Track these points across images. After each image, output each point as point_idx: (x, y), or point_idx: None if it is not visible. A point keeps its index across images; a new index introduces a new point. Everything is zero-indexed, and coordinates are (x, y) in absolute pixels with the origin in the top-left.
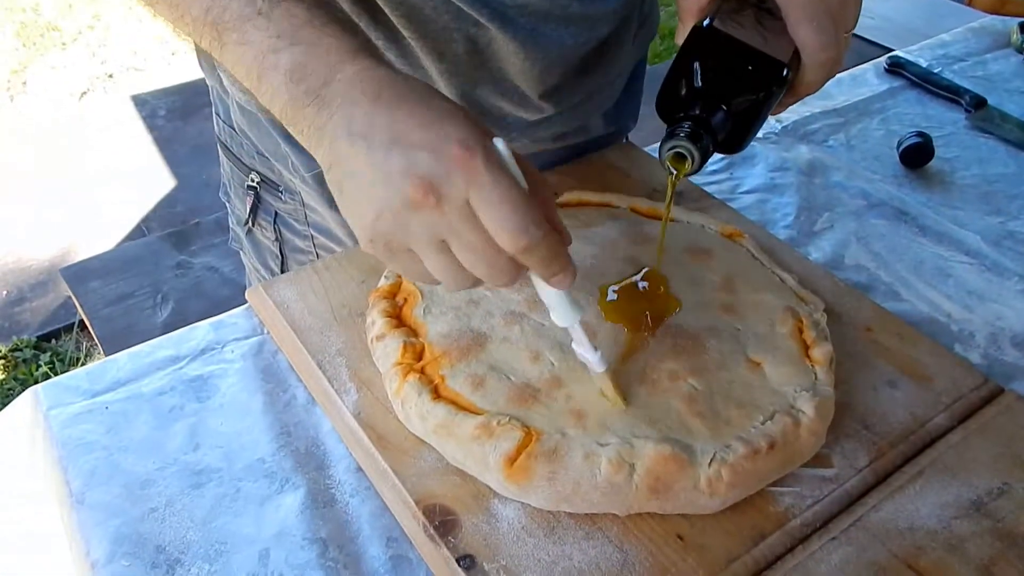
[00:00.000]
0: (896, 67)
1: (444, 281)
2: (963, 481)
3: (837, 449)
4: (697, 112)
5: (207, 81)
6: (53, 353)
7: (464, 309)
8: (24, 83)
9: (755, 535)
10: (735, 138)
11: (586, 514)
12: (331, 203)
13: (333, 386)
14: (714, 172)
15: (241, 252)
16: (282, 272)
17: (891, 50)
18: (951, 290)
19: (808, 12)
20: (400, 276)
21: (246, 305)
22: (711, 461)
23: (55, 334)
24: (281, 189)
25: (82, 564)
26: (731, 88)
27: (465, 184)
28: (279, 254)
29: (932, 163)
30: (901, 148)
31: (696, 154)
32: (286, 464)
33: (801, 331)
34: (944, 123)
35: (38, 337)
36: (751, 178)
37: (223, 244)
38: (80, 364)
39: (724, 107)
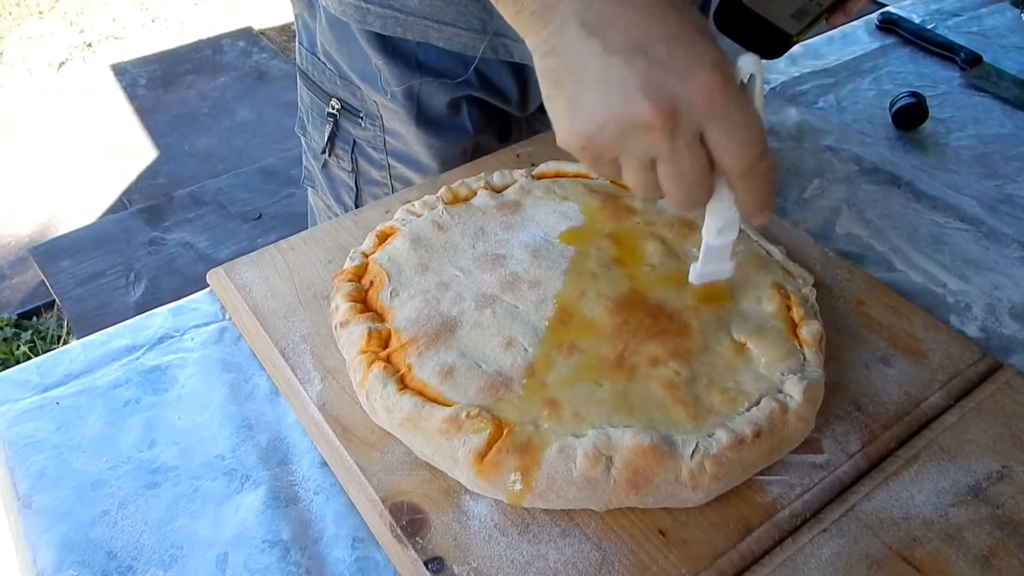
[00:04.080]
0: (888, 23)
1: (636, 186)
2: (960, 465)
3: (827, 433)
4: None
5: (293, 9)
6: (34, 331)
7: (433, 292)
8: (0, 54)
9: (741, 528)
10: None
11: (562, 510)
12: (417, 121)
13: (297, 375)
14: None
15: (312, 191)
16: (356, 204)
17: (883, 5)
18: (946, 259)
19: None
20: (366, 257)
21: (207, 289)
22: (693, 452)
23: (36, 312)
24: (362, 115)
25: (28, 573)
26: None
27: (706, 113)
28: (354, 187)
29: (926, 124)
30: (894, 109)
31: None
32: (247, 460)
33: (789, 308)
34: (938, 82)
35: (18, 315)
36: None
37: (198, 219)
38: (62, 342)
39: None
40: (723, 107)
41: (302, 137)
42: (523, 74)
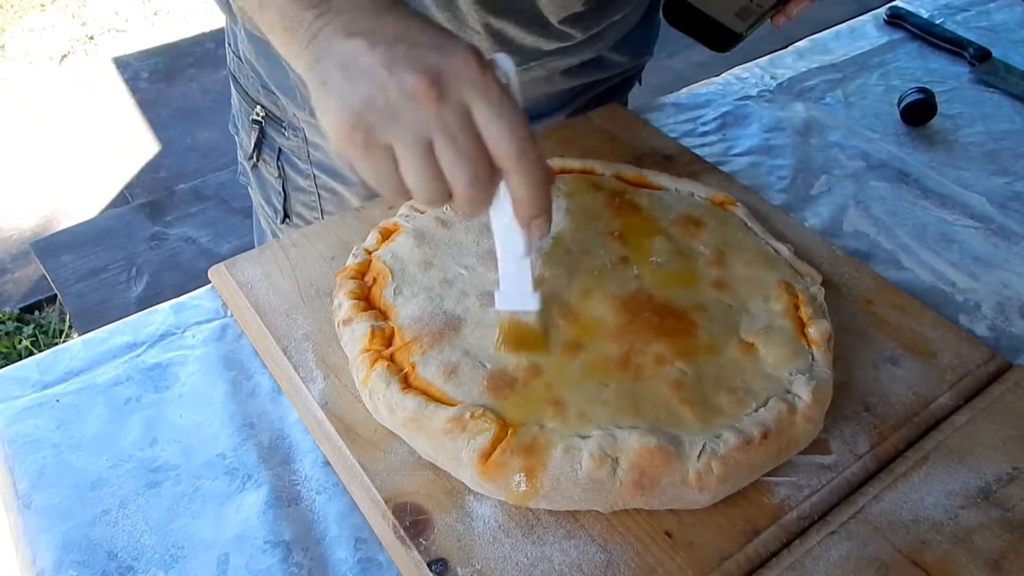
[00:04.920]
0: (896, 18)
1: (416, 190)
2: (970, 466)
3: (836, 433)
4: None
5: (221, 11)
6: (36, 325)
7: (437, 290)
8: (2, 47)
9: (748, 530)
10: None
11: (567, 511)
12: None
13: (299, 373)
14: (706, 133)
15: (249, 187)
16: (285, 210)
17: (891, 0)
18: (955, 257)
19: None
20: (369, 254)
21: (209, 285)
22: (700, 453)
23: (38, 305)
24: (285, 124)
25: (28, 573)
26: None
27: (470, 88)
28: (282, 191)
29: (935, 120)
30: (902, 105)
31: None
32: (249, 459)
33: (797, 308)
34: (947, 77)
35: (20, 309)
36: (744, 139)
37: (200, 213)
38: (64, 337)
39: None
40: (483, 83)
41: (235, 137)
42: None
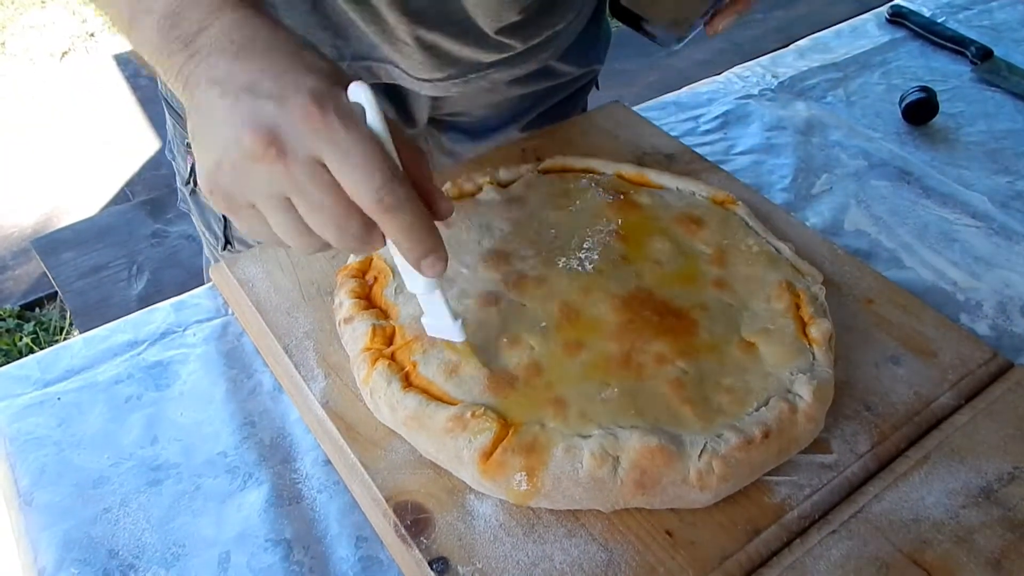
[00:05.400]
0: (898, 17)
1: (290, 243)
2: (971, 466)
3: (836, 433)
4: None
5: None
6: (37, 323)
7: None
8: (2, 44)
9: (749, 530)
10: (680, 15)
11: (568, 510)
12: None
13: (300, 372)
14: (707, 132)
15: (190, 214)
16: (225, 236)
17: None
18: (957, 256)
19: None
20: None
21: (210, 283)
22: (701, 453)
23: (38, 303)
24: None
25: (30, 571)
26: None
27: (313, 138)
28: (221, 218)
29: (936, 119)
30: (903, 103)
31: None
32: (249, 457)
33: (798, 307)
34: (948, 76)
35: (21, 306)
36: (746, 138)
37: None
38: (64, 334)
39: None
40: (327, 129)
41: (172, 162)
42: (399, 93)
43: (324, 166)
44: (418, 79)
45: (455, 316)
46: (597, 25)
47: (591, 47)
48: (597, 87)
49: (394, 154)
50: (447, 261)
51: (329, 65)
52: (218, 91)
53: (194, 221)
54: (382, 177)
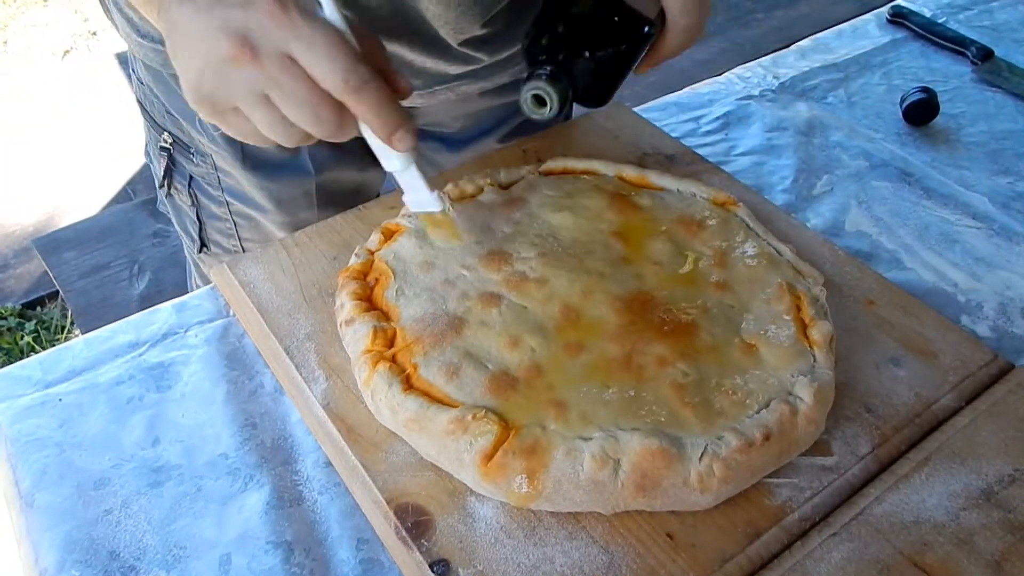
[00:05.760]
0: (898, 17)
1: (275, 138)
2: (972, 468)
3: (837, 435)
4: (559, 58)
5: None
6: (38, 321)
7: (439, 290)
8: (4, 43)
9: (750, 532)
10: (597, 89)
11: (569, 513)
12: (243, 164)
13: (301, 374)
14: (708, 133)
15: (168, 216)
16: (201, 239)
17: None
18: (957, 257)
19: None
20: (371, 254)
21: (211, 285)
22: (702, 455)
23: (40, 301)
24: (192, 151)
25: (31, 572)
26: (595, 38)
27: (279, 34)
28: (197, 219)
29: (937, 120)
30: (904, 104)
31: (555, 96)
32: (251, 459)
33: (799, 308)
34: (949, 76)
35: (22, 305)
36: (747, 139)
37: None
38: (65, 333)
39: (588, 55)
40: (291, 26)
41: (150, 164)
42: None
43: (293, 60)
44: None
45: (431, 188)
46: None
47: None
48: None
49: (354, 42)
50: (416, 135)
51: None
52: (190, 8)
53: (174, 223)
54: (345, 61)
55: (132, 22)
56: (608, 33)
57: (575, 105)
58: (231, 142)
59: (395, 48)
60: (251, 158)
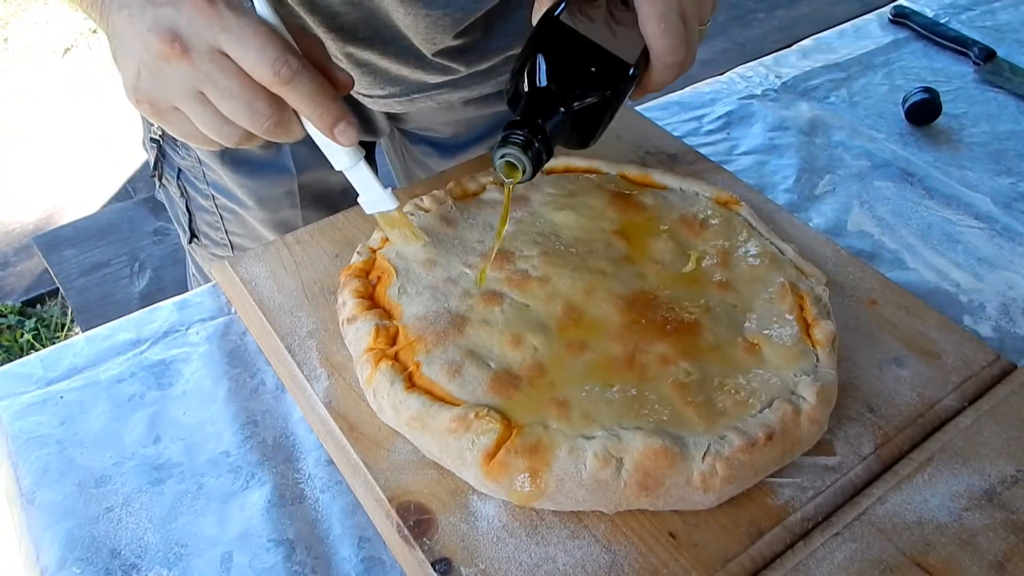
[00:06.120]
0: (901, 17)
1: (214, 135)
2: (974, 468)
3: (840, 435)
4: (533, 118)
5: None
6: (38, 319)
7: (442, 288)
8: (5, 40)
9: (752, 532)
10: (581, 136)
11: (571, 511)
12: (223, 159)
13: (303, 372)
14: (710, 132)
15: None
16: (191, 230)
17: None
18: (960, 257)
19: (659, 9)
20: (374, 252)
21: (213, 283)
22: (705, 454)
23: (40, 299)
24: (179, 144)
25: (32, 570)
26: (575, 87)
27: (208, 29)
28: (186, 211)
29: (939, 120)
30: (907, 104)
31: (527, 164)
32: (252, 457)
33: (802, 308)
34: (951, 77)
35: (22, 303)
36: (749, 138)
37: None
38: (66, 330)
39: (564, 109)
40: (219, 19)
41: (147, 154)
42: (355, 100)
43: (224, 54)
44: (360, 94)
45: (383, 185)
46: None
47: None
48: None
49: (287, 35)
50: (357, 128)
51: (343, 4)
52: (126, 12)
53: (169, 213)
54: (274, 51)
55: None
56: (589, 82)
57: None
58: None
59: (368, 55)
60: (230, 154)
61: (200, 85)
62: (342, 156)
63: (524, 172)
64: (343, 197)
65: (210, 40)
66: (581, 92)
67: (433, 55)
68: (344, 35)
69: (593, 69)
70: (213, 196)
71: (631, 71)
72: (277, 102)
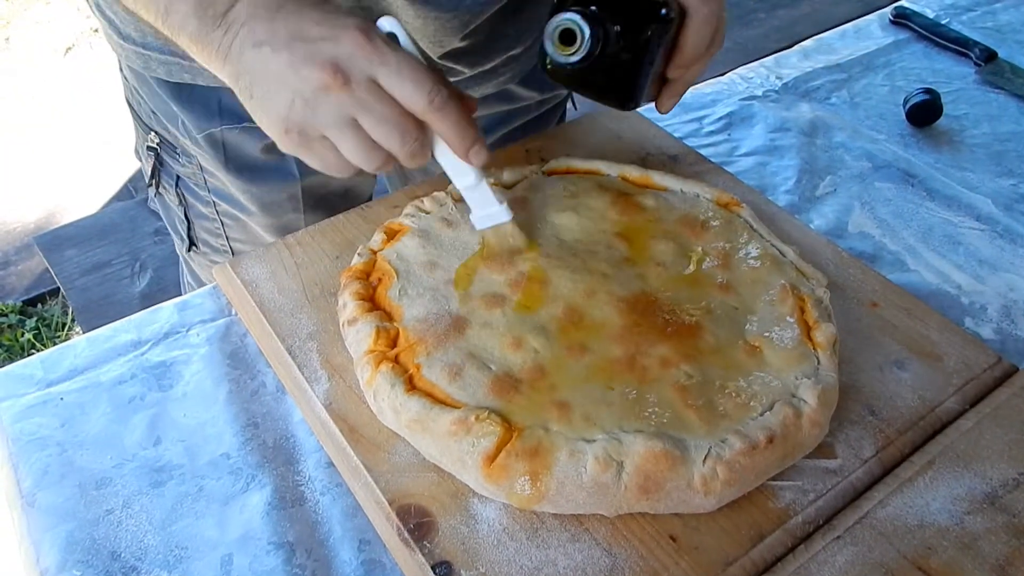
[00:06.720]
0: (902, 18)
1: (359, 161)
2: (976, 471)
3: (841, 438)
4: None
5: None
6: (39, 319)
7: (442, 291)
8: (7, 39)
9: (753, 535)
10: (620, 82)
11: (572, 515)
12: (227, 166)
13: (303, 373)
14: (711, 134)
15: (159, 213)
16: (190, 238)
17: (896, 0)
18: (961, 259)
19: None
20: (374, 254)
21: (213, 284)
22: (705, 458)
23: (40, 298)
24: (179, 151)
25: (32, 572)
26: (615, 11)
27: (367, 62)
28: (185, 219)
29: (940, 121)
30: (907, 105)
31: (586, 31)
32: (252, 459)
33: (803, 310)
34: (952, 78)
35: (23, 302)
36: (750, 139)
37: None
38: (66, 330)
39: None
40: (378, 53)
41: (140, 163)
42: None
43: (380, 86)
44: None
45: (500, 200)
46: None
47: None
48: (574, 107)
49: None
50: (488, 150)
51: (354, 8)
52: (268, 49)
53: (164, 221)
54: (430, 82)
55: (114, 24)
56: (625, 17)
57: (580, 107)
58: (214, 144)
59: None
60: (234, 160)
61: (355, 113)
62: (469, 175)
63: (580, 43)
64: (344, 199)
65: (368, 72)
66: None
67: (439, 57)
68: None
69: (632, 4)
70: (214, 203)
71: (665, 11)
72: (423, 127)
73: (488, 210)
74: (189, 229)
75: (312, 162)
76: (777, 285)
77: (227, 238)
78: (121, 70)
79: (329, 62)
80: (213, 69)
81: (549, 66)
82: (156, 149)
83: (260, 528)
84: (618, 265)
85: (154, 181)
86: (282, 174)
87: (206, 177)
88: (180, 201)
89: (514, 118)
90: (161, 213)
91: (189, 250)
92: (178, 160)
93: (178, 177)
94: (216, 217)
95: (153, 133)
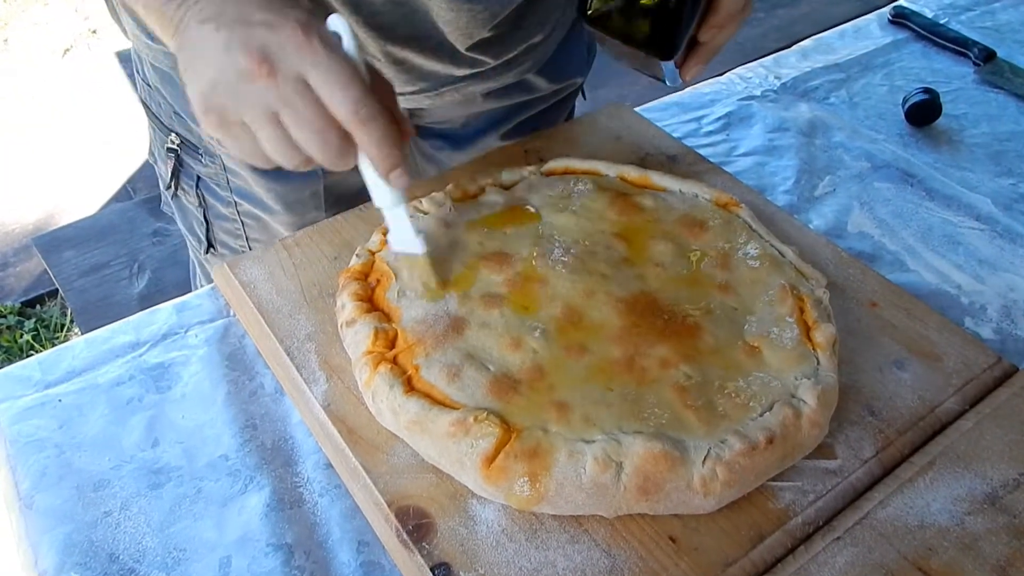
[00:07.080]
0: (900, 18)
1: (276, 157)
2: (976, 472)
3: (841, 438)
4: None
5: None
6: (38, 320)
7: (440, 291)
8: (5, 41)
9: (753, 536)
10: (661, 33)
11: (571, 516)
12: (252, 166)
13: (302, 375)
14: (709, 134)
15: (174, 216)
16: (208, 240)
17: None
18: (960, 259)
19: None
20: (373, 255)
21: (212, 285)
22: (705, 458)
23: (39, 300)
24: (201, 151)
25: (30, 574)
26: None
27: (299, 59)
28: (204, 220)
29: (939, 121)
30: (907, 105)
31: None
32: (251, 460)
33: (802, 311)
34: (951, 77)
35: (22, 303)
36: (748, 139)
37: None
38: (65, 331)
39: None
40: (311, 51)
41: (154, 166)
42: None
43: (308, 85)
44: None
45: (417, 231)
46: (578, 40)
47: (569, 62)
48: (583, 97)
49: (367, 77)
50: (409, 177)
51: (307, 2)
52: (211, 26)
53: (178, 224)
54: (358, 92)
55: (142, 24)
56: None
57: (590, 99)
58: None
59: (406, 53)
60: None
61: (277, 107)
62: (387, 196)
63: None
64: (360, 196)
65: (299, 69)
66: None
67: (467, 49)
68: (383, 33)
69: None
70: (236, 203)
71: None
72: (346, 138)
73: (404, 236)
74: (208, 231)
75: (231, 147)
76: (776, 285)
77: (247, 239)
78: (138, 72)
79: (259, 49)
80: (165, 41)
81: (590, 11)
82: (176, 150)
83: (259, 530)
84: (617, 265)
85: (173, 183)
86: (307, 172)
87: (229, 177)
88: (200, 202)
89: (527, 108)
90: (177, 216)
91: (207, 252)
92: (200, 160)
93: (199, 178)
94: (237, 218)
95: (174, 134)
